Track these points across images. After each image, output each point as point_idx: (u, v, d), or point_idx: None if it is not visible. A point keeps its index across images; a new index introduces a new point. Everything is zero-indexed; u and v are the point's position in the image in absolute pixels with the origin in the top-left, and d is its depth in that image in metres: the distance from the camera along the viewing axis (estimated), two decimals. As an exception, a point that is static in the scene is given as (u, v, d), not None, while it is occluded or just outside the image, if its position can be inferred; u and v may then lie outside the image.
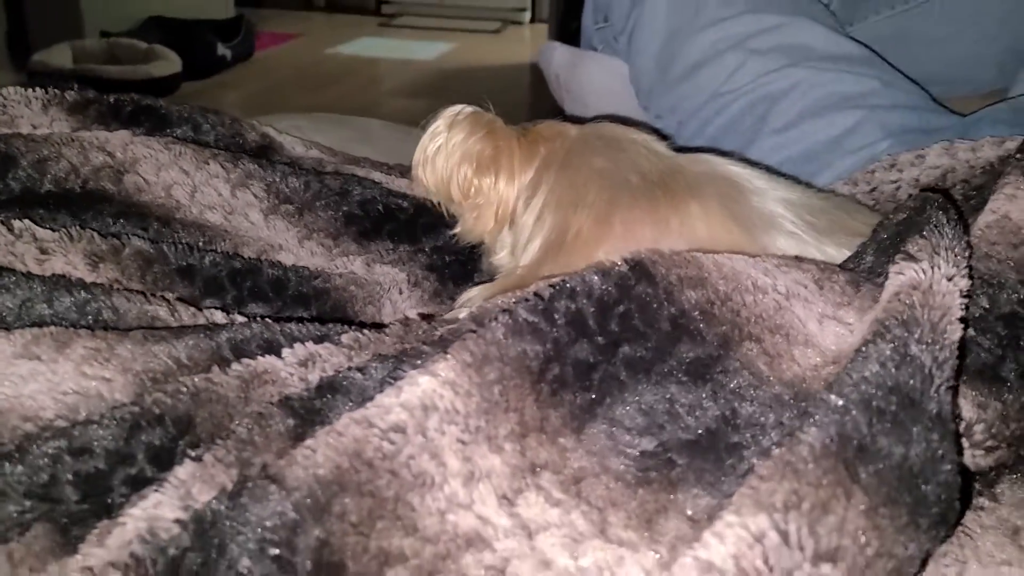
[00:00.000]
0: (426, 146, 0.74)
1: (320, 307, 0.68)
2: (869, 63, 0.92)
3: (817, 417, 0.39)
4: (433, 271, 0.77)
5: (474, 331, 0.45)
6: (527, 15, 4.91)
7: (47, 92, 0.78)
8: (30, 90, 0.77)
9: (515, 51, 4.26)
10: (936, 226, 0.53)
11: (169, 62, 3.18)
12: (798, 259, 0.56)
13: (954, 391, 0.44)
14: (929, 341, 0.43)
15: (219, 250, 0.69)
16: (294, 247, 0.74)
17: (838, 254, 0.62)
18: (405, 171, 0.89)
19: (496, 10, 4.89)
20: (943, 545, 0.45)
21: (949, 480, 0.38)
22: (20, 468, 0.40)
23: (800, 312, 0.51)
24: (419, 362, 0.46)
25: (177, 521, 0.35)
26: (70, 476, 0.40)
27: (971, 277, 0.50)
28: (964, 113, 0.94)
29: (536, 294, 0.47)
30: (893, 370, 0.41)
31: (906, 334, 0.43)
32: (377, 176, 0.83)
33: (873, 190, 0.78)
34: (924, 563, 0.39)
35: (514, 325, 0.46)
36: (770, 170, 0.73)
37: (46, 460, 0.40)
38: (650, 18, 1.02)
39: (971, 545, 0.45)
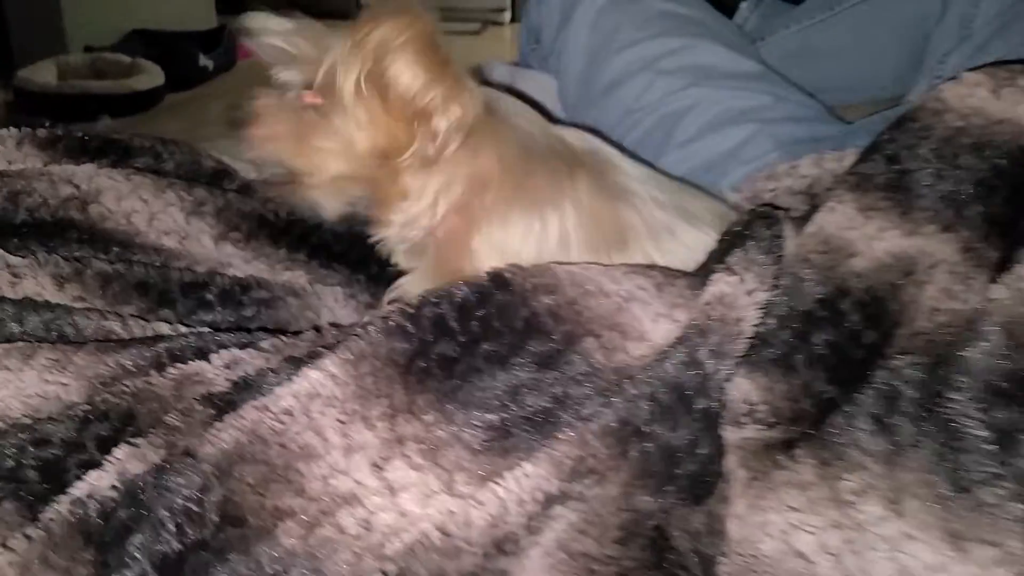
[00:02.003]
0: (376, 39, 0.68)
1: (262, 315, 0.78)
2: (764, 79, 1.02)
3: (614, 401, 0.50)
4: (368, 284, 0.87)
5: (357, 334, 0.56)
6: (507, 15, 4.99)
7: (20, 131, 0.88)
8: (4, 129, 0.87)
9: (495, 52, 4.35)
10: (758, 241, 0.64)
11: (152, 75, 3.26)
12: (647, 267, 0.67)
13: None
14: (716, 349, 0.55)
15: (175, 268, 0.79)
16: (242, 267, 0.84)
17: (673, 224, 0.77)
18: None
19: (475, 11, 4.97)
20: (752, 499, 0.55)
21: (703, 459, 0.49)
22: (-9, 456, 0.50)
23: (637, 312, 0.62)
24: (318, 358, 0.56)
25: (112, 487, 0.46)
26: (32, 462, 0.51)
27: (777, 286, 0.61)
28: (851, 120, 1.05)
29: (407, 303, 0.58)
30: (680, 372, 0.54)
31: (700, 341, 0.55)
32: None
33: (753, 197, 0.88)
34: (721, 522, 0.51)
35: (386, 328, 0.57)
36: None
37: (13, 450, 0.51)
38: (573, 41, 1.13)
39: (773, 497, 0.55)
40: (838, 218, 0.66)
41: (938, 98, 0.73)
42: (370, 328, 0.58)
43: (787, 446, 0.57)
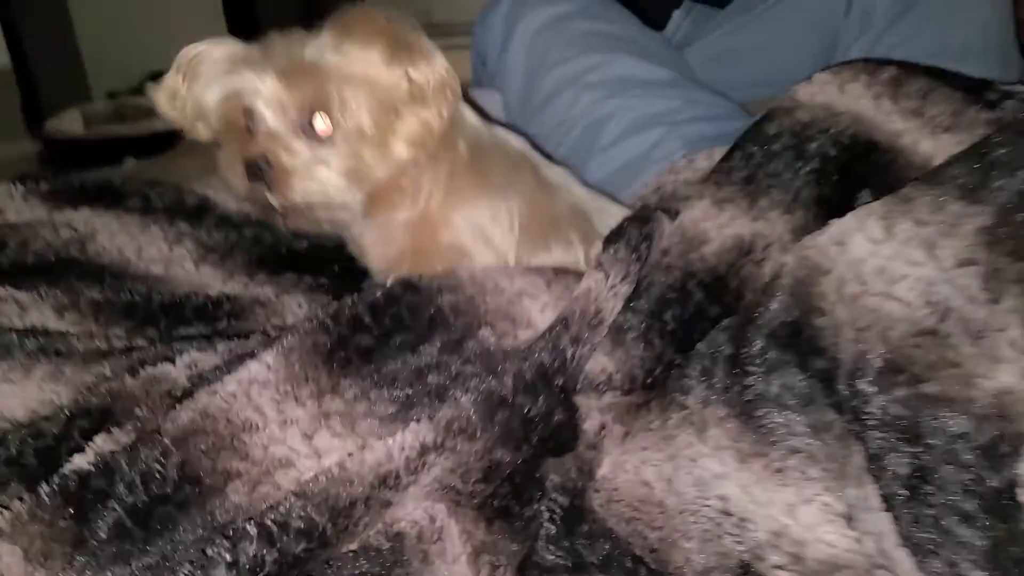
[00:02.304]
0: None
1: (234, 326, 0.91)
2: (676, 85, 1.14)
3: (488, 378, 0.63)
4: (330, 286, 1.00)
5: (290, 332, 0.69)
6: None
7: (26, 185, 1.03)
8: (11, 185, 1.02)
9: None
10: (627, 241, 0.76)
11: (170, 115, 3.42)
12: (540, 268, 0.79)
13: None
14: (575, 336, 0.69)
15: (158, 292, 0.93)
16: (219, 285, 0.98)
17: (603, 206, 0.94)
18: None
19: (462, 26, 5.08)
20: (621, 446, 0.67)
21: (559, 423, 0.62)
22: (1, 450, 0.64)
23: (527, 304, 0.75)
24: (257, 353, 0.70)
25: (89, 463, 0.60)
26: (31, 451, 0.64)
27: (639, 280, 0.73)
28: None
29: (332, 306, 0.71)
30: (543, 356, 0.66)
31: (563, 330, 0.68)
32: (285, 222, 1.07)
33: (658, 189, 1.00)
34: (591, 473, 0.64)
35: (311, 327, 0.70)
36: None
37: (16, 443, 0.65)
38: (512, 62, 1.25)
39: (633, 443, 0.67)
40: (695, 213, 0.78)
41: (791, 97, 0.85)
42: (300, 326, 0.71)
43: (647, 403, 0.69)
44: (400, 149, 0.81)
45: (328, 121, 0.78)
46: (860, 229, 0.62)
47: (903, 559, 0.51)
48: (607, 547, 0.61)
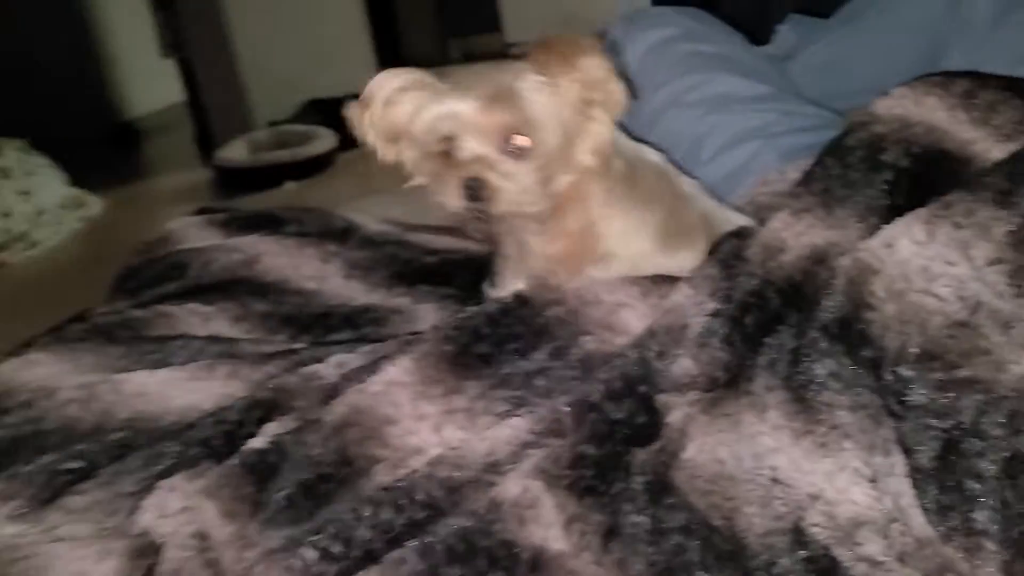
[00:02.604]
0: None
1: (375, 331, 1.06)
2: (773, 99, 1.21)
3: (581, 385, 0.74)
4: (456, 300, 1.14)
5: (422, 340, 0.83)
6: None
7: (204, 216, 1.22)
8: (194, 216, 1.22)
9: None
10: (719, 256, 0.85)
11: (326, 139, 3.68)
12: (638, 278, 0.90)
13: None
14: (660, 350, 0.79)
15: (312, 304, 1.09)
16: (363, 297, 1.13)
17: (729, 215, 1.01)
18: (451, 230, 1.29)
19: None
20: (704, 434, 0.77)
21: (640, 425, 0.73)
22: (193, 432, 0.81)
23: (625, 315, 0.86)
24: (394, 358, 0.83)
25: (265, 443, 0.75)
26: (218, 435, 0.81)
27: (726, 295, 0.82)
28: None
29: (456, 318, 0.84)
30: (630, 366, 0.77)
31: (650, 343, 0.79)
32: (418, 238, 1.23)
33: (751, 202, 1.08)
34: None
35: (439, 335, 0.84)
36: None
37: (206, 429, 0.81)
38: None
39: (713, 428, 0.76)
40: (775, 223, 0.86)
41: (870, 112, 0.91)
42: (429, 336, 0.85)
43: (724, 396, 0.78)
44: (586, 158, 0.90)
45: (525, 140, 0.86)
46: (906, 233, 0.69)
47: (916, 515, 0.58)
48: (686, 516, 0.71)
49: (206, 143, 4.04)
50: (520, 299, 0.87)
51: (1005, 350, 0.61)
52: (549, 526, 0.70)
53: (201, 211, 1.24)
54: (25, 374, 0.92)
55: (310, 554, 0.65)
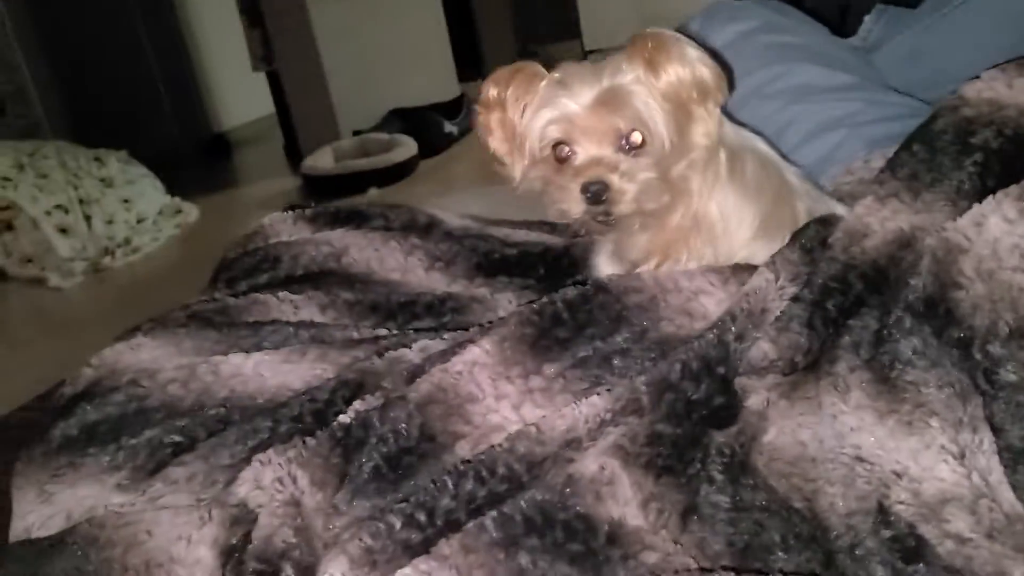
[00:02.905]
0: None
1: (456, 319, 1.09)
2: (857, 89, 1.19)
3: (660, 364, 0.75)
4: (536, 285, 1.16)
5: (503, 323, 0.84)
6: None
7: (294, 212, 1.27)
8: (285, 212, 1.26)
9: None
10: (802, 240, 0.85)
11: (407, 147, 3.77)
12: (720, 268, 0.89)
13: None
14: (740, 332, 0.79)
15: (396, 293, 1.12)
16: (444, 287, 1.16)
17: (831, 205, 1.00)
18: (529, 224, 1.31)
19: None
20: (784, 416, 0.77)
21: (718, 406, 0.75)
22: (285, 410, 0.85)
23: (704, 301, 0.86)
24: (476, 340, 0.85)
25: (351, 418, 0.78)
26: (308, 412, 0.84)
27: (807, 280, 0.81)
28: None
29: (533, 302, 0.86)
30: (708, 347, 0.77)
31: (729, 325, 0.79)
32: (498, 232, 1.25)
33: (836, 190, 1.06)
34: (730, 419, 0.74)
35: (520, 319, 0.85)
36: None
37: (297, 407, 0.85)
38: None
39: (793, 411, 0.76)
40: (859, 209, 0.86)
41: (959, 95, 0.90)
42: (510, 319, 0.86)
43: (805, 378, 0.78)
44: (699, 139, 0.91)
45: (640, 137, 0.88)
46: (997, 211, 0.68)
47: (1006, 491, 0.57)
48: (766, 497, 0.71)
49: (294, 152, 4.17)
50: (599, 286, 0.88)
51: (1101, 328, 0.59)
52: (626, 503, 0.71)
53: (290, 208, 1.29)
54: (130, 357, 0.97)
55: (396, 521, 0.67)
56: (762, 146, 1.02)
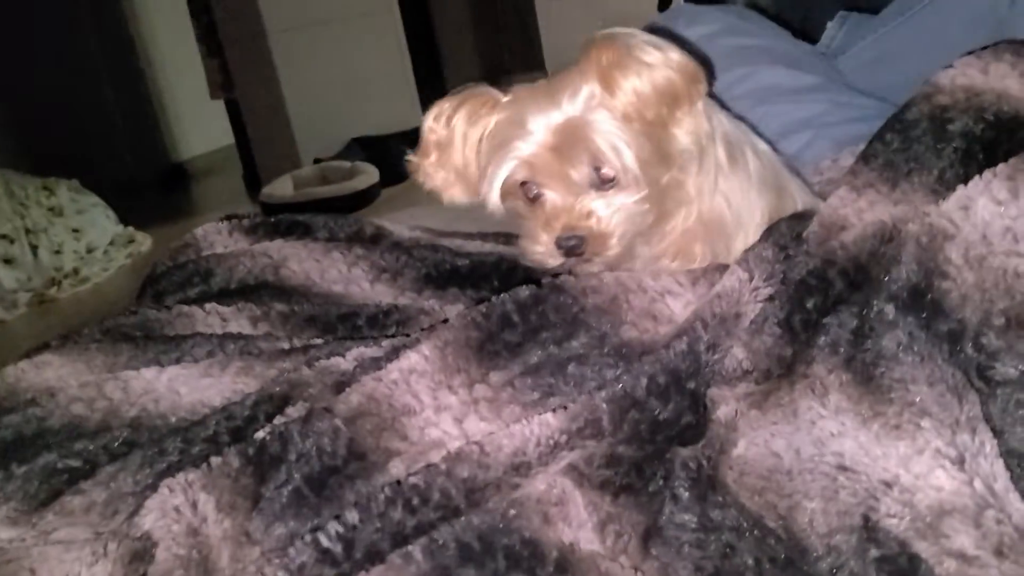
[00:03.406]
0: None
1: (401, 331, 1.00)
2: (822, 90, 1.14)
3: (624, 377, 0.66)
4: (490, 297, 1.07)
5: (445, 326, 0.76)
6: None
7: (230, 222, 1.18)
8: (220, 222, 1.17)
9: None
10: (775, 237, 0.78)
11: (368, 175, 3.70)
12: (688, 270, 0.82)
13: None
14: (712, 341, 0.71)
15: (337, 305, 1.04)
16: (390, 300, 1.07)
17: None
18: (484, 236, 1.23)
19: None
20: (755, 426, 0.69)
21: (686, 424, 0.65)
22: (199, 428, 0.75)
23: (670, 302, 0.78)
24: (414, 346, 0.77)
25: (267, 432, 0.69)
26: (224, 431, 0.75)
27: (782, 278, 0.74)
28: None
29: (482, 303, 0.77)
30: (678, 360, 0.69)
31: (700, 334, 0.71)
32: (449, 243, 1.16)
33: (804, 188, 1.00)
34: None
35: (464, 322, 0.76)
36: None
37: (213, 425, 0.75)
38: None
39: (765, 420, 0.68)
40: (833, 200, 0.79)
41: (931, 83, 0.84)
42: (454, 321, 0.78)
43: (780, 387, 0.70)
44: (683, 141, 0.83)
45: (611, 170, 0.80)
46: (985, 192, 0.61)
47: (1015, 500, 0.49)
48: (736, 516, 0.63)
49: (253, 182, 4.09)
50: (554, 286, 0.80)
51: (1108, 314, 0.52)
52: (580, 526, 0.63)
53: (227, 218, 1.20)
54: (33, 375, 0.87)
55: (308, 554, 0.57)
56: (763, 146, 0.95)
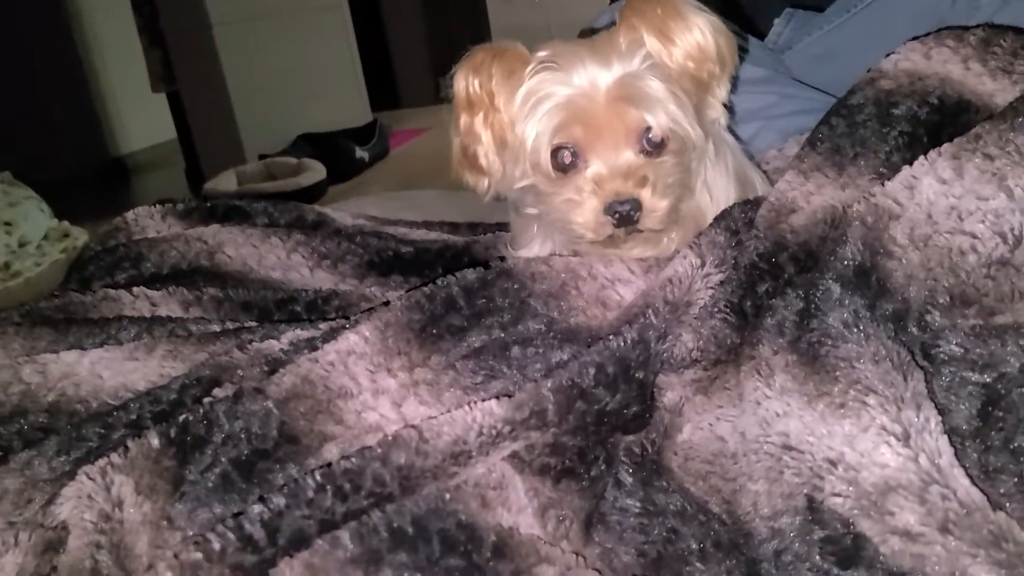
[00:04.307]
0: None
1: (341, 316, 0.96)
2: (770, 82, 1.14)
3: (570, 364, 0.64)
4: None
5: (387, 308, 0.73)
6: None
7: (164, 206, 1.13)
8: (153, 206, 1.13)
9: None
10: (727, 224, 0.76)
11: (315, 172, 3.65)
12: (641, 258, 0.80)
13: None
14: (663, 331, 0.69)
15: (274, 291, 1.00)
16: (331, 287, 1.04)
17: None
18: (429, 224, 1.21)
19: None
20: (701, 412, 0.67)
21: (633, 414, 0.64)
22: (122, 413, 0.71)
23: (621, 290, 0.76)
24: (354, 327, 0.74)
25: (199, 414, 0.65)
26: (148, 415, 0.71)
27: (734, 263, 0.73)
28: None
29: (426, 285, 0.75)
30: (627, 349, 0.67)
31: (650, 322, 0.68)
32: (394, 230, 1.13)
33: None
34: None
35: (407, 303, 0.74)
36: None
37: (136, 409, 0.71)
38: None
39: (711, 404, 0.67)
40: (781, 184, 0.78)
41: (876, 69, 0.84)
42: (396, 303, 0.75)
43: (727, 372, 0.69)
44: (716, 111, 0.82)
45: (659, 134, 0.76)
46: (930, 172, 0.60)
47: (960, 476, 0.48)
48: (681, 502, 0.61)
49: (196, 177, 4.00)
50: (502, 270, 0.78)
51: (1052, 291, 0.52)
52: (520, 511, 0.60)
53: (160, 202, 1.16)
54: (-55, 361, 0.82)
55: (228, 538, 0.54)
56: (730, 138, 0.93)
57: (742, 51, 0.89)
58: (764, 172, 0.97)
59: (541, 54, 0.78)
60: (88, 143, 4.51)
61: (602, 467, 0.64)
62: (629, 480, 0.63)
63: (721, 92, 0.82)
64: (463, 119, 0.81)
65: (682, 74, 0.77)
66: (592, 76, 0.75)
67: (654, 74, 0.76)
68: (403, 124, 4.85)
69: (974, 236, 0.55)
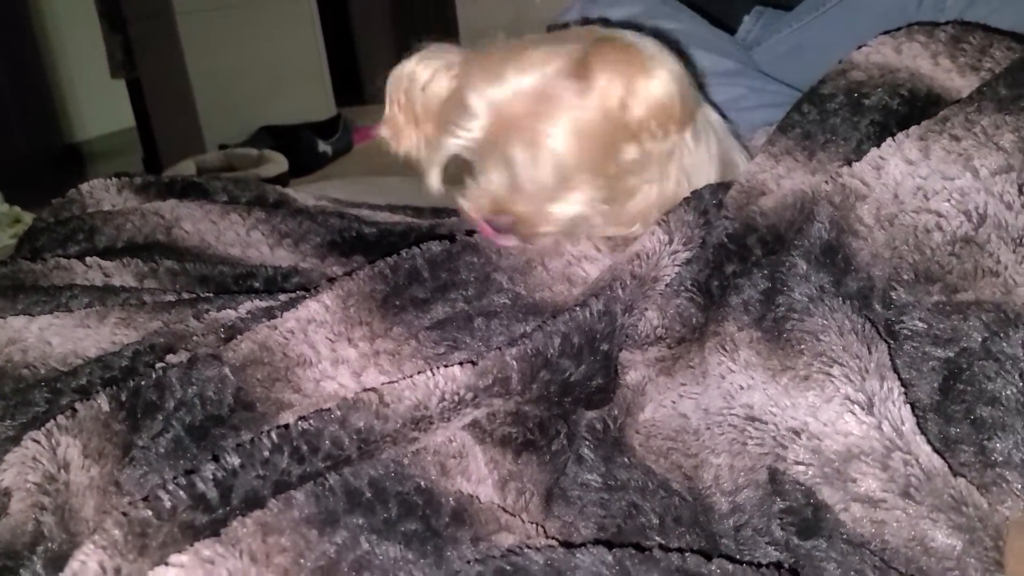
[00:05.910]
0: None
1: (302, 293, 0.94)
2: (741, 75, 1.14)
3: (534, 334, 0.63)
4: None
5: (350, 277, 0.72)
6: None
7: (120, 180, 1.10)
8: (109, 179, 1.10)
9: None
10: (696, 203, 0.76)
11: (277, 164, 3.59)
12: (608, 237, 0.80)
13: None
14: (628, 304, 0.68)
15: (233, 266, 0.98)
16: (291, 264, 1.02)
17: None
18: (392, 208, 1.19)
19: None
20: (663, 390, 0.67)
21: (596, 387, 0.63)
22: (71, 379, 0.69)
23: (587, 267, 0.76)
24: (315, 296, 0.72)
25: (151, 379, 0.63)
26: (99, 381, 0.69)
27: (702, 242, 0.72)
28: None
29: (391, 256, 0.74)
30: (594, 320, 0.66)
31: (618, 295, 0.68)
32: (357, 212, 1.12)
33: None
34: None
35: (370, 273, 0.72)
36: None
37: (86, 376, 0.69)
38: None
39: (674, 382, 0.66)
40: (752, 167, 0.78)
41: (847, 60, 0.84)
42: (359, 273, 0.74)
43: (691, 350, 0.68)
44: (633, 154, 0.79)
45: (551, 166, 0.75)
46: (897, 152, 0.61)
47: (921, 443, 0.49)
48: (642, 478, 0.60)
49: (154, 166, 3.92)
50: (468, 244, 0.77)
51: (1014, 270, 0.52)
52: (480, 482, 0.59)
53: (116, 175, 1.13)
54: None
55: (180, 497, 0.52)
56: (708, 107, 0.92)
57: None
58: (747, 148, 0.96)
59: (467, 57, 0.81)
60: (42, 128, 4.40)
61: (564, 442, 0.63)
62: (590, 456, 0.62)
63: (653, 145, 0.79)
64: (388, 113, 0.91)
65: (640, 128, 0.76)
66: (495, 93, 0.75)
67: (557, 104, 0.74)
68: (367, 120, 4.81)
69: (939, 215, 0.56)
